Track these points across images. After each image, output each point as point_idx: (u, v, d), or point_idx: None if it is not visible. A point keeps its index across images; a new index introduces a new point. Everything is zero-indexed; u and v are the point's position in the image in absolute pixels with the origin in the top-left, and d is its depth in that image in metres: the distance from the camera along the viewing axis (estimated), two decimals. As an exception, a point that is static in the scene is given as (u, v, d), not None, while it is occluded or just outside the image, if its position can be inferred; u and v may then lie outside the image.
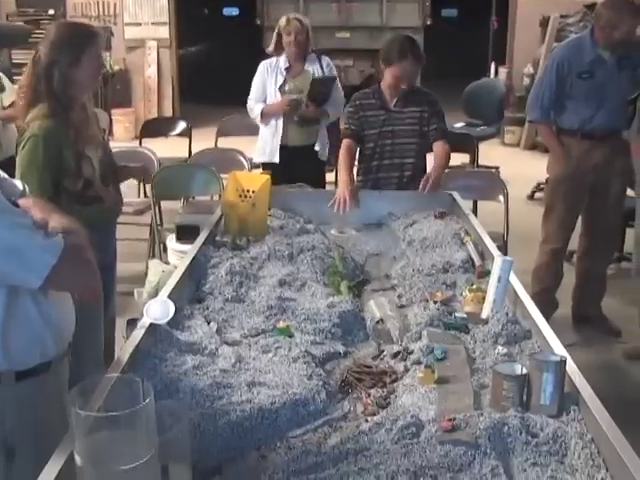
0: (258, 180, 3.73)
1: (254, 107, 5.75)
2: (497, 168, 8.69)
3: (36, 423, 2.28)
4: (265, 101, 5.74)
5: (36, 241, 2.11)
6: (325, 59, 5.84)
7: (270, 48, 5.82)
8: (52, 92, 3.19)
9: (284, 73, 5.70)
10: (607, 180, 5.04)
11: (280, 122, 5.66)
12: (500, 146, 11.20)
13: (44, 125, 3.17)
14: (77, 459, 1.62)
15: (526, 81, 10.84)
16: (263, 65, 5.81)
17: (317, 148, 5.71)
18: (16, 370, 2.24)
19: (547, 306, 4.71)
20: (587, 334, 5.23)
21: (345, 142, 4.50)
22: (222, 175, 5.56)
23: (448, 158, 4.51)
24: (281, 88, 5.67)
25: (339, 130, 4.98)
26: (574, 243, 5.41)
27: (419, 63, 4.44)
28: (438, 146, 4.47)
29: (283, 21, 5.68)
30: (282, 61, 5.73)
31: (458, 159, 8.07)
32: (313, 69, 5.73)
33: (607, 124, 4.97)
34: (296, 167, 5.35)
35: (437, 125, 4.48)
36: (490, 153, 9.19)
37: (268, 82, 5.73)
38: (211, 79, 14.65)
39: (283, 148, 5.67)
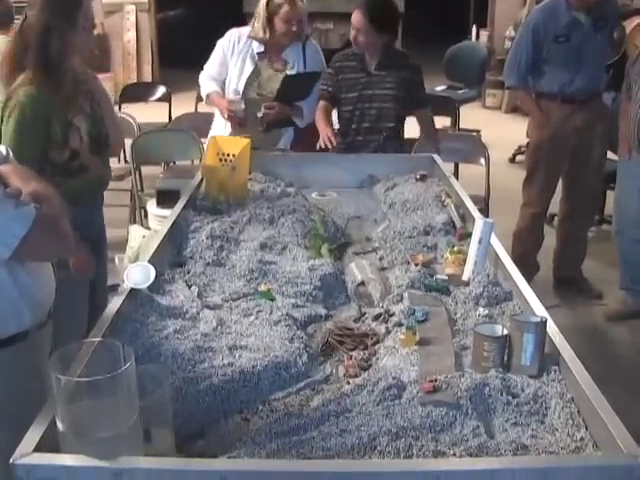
0: (238, 144, 3.70)
1: (203, 84, 4.71)
2: (478, 131, 8.68)
3: (13, 392, 2.27)
4: (223, 84, 4.64)
5: (5, 211, 2.08)
6: (312, 46, 4.69)
7: (259, 34, 4.48)
8: (44, 59, 3.04)
9: (256, 58, 4.56)
10: (588, 143, 5.04)
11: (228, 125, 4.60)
12: (481, 109, 11.18)
13: (30, 92, 3.04)
14: (59, 425, 1.62)
15: (508, 44, 10.78)
16: (229, 39, 4.61)
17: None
18: None
19: (528, 269, 4.71)
20: (568, 296, 5.27)
21: (321, 104, 4.44)
22: (202, 140, 5.53)
23: (434, 125, 4.67)
24: (249, 81, 4.54)
25: (311, 131, 4.47)
26: (555, 206, 5.43)
27: (368, 19, 4.26)
28: (422, 115, 4.58)
29: (284, 3, 4.37)
30: (256, 42, 4.55)
31: (439, 122, 8.04)
32: (294, 62, 4.58)
33: (587, 87, 4.96)
34: None
35: (420, 95, 4.50)
36: (471, 116, 9.16)
37: (232, 63, 4.57)
38: (190, 43, 14.51)
39: None
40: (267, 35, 4.47)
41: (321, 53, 4.77)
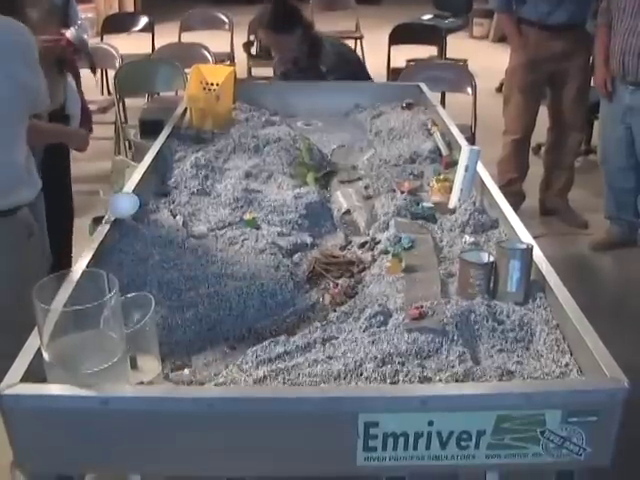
0: (222, 72, 3.66)
1: None
2: (465, 61, 8.60)
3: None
4: None
5: None
6: None
7: None
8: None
9: None
10: (565, 72, 5.00)
11: None
12: (469, 39, 11.08)
13: None
14: (45, 355, 1.61)
15: (495, -28, 10.66)
16: None
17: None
18: None
19: (514, 198, 4.72)
20: (554, 226, 5.28)
21: None
22: (186, 70, 5.47)
23: None
24: None
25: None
26: (544, 136, 5.41)
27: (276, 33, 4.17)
28: None
29: None
30: None
31: (426, 51, 7.99)
32: None
33: (566, 21, 4.88)
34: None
35: None
36: (458, 46, 9.08)
37: None
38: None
39: None
40: None
41: None
